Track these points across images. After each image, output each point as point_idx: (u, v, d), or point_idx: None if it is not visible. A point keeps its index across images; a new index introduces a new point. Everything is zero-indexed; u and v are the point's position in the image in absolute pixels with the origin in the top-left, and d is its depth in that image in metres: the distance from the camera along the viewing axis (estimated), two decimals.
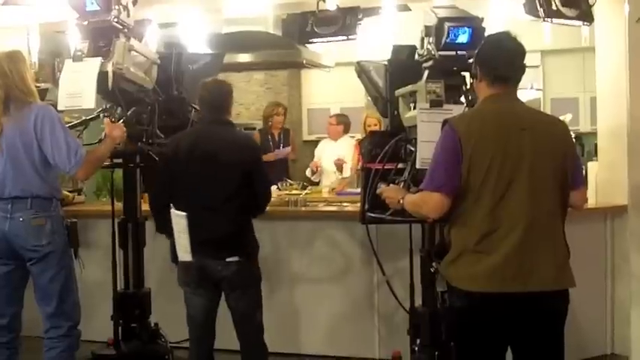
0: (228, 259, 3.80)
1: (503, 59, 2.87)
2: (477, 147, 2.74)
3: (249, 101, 9.42)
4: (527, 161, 2.74)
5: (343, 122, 7.32)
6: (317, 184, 7.15)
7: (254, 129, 8.50)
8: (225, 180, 3.81)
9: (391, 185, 3.55)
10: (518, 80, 2.90)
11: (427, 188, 2.85)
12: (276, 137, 7.42)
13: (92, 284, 4.88)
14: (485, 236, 2.75)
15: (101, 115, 4.25)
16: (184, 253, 3.82)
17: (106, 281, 4.58)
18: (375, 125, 6.64)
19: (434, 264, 3.02)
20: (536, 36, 5.50)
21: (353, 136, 7.38)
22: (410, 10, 6.30)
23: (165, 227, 3.96)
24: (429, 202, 2.85)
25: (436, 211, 2.84)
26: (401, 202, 3.13)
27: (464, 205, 2.78)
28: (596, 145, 5.38)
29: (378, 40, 5.29)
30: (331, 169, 7.14)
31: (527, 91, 7.56)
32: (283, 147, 7.40)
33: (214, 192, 3.81)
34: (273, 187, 6.01)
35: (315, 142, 8.03)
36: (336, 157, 7.08)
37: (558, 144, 2.85)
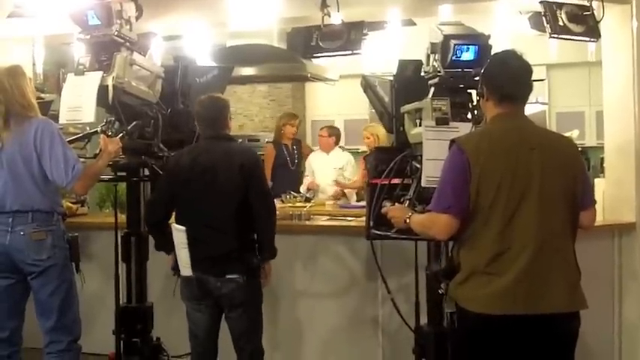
0: (228, 276, 3.78)
1: (510, 78, 2.85)
2: (485, 167, 2.72)
3: (252, 113, 9.44)
4: (537, 181, 2.72)
5: (335, 134, 7.27)
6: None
7: (257, 140, 8.51)
8: (226, 196, 3.79)
9: (396, 204, 3.50)
10: (526, 98, 2.88)
11: (435, 209, 2.82)
12: (290, 148, 7.34)
13: (94, 297, 4.86)
14: (495, 257, 2.71)
15: (99, 129, 4.22)
16: (185, 268, 3.83)
17: (108, 295, 4.55)
18: (368, 139, 6.72)
19: (442, 285, 2.98)
20: (541, 50, 5.49)
21: (342, 147, 7.37)
22: (415, 24, 6.29)
23: (162, 243, 3.99)
24: (437, 223, 2.82)
25: (444, 232, 2.81)
26: (407, 221, 3.10)
27: (473, 226, 2.75)
28: (601, 159, 5.35)
29: (382, 53, 5.27)
30: (326, 182, 7.05)
31: (532, 105, 7.53)
32: (297, 158, 7.33)
33: (215, 209, 3.79)
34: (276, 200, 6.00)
35: None
36: (330, 169, 7.02)
37: (568, 163, 2.82)
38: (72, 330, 3.87)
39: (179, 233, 3.80)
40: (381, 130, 6.68)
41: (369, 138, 6.71)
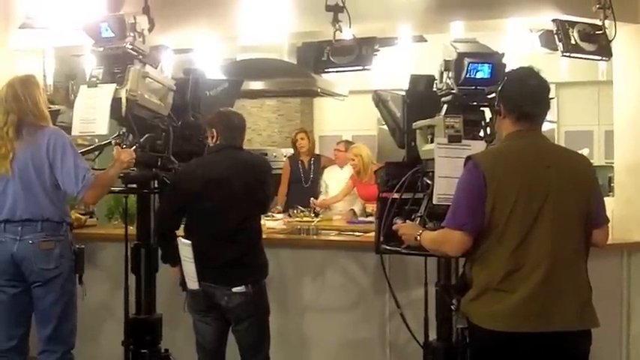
0: (234, 289, 3.78)
1: (530, 97, 2.85)
2: (501, 184, 2.71)
3: (260, 127, 9.46)
4: (552, 199, 2.72)
5: None
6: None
7: (265, 155, 8.49)
8: (238, 207, 3.80)
9: (407, 222, 3.49)
10: (544, 117, 2.88)
11: (449, 226, 2.81)
12: (306, 164, 7.30)
13: (102, 308, 4.86)
14: (508, 275, 2.71)
15: (112, 141, 4.25)
16: (191, 281, 3.83)
17: (117, 306, 4.56)
18: (353, 160, 6.75)
19: (454, 300, 2.97)
20: (551, 68, 5.45)
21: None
22: (426, 41, 6.31)
23: (168, 254, 3.99)
24: (450, 240, 2.81)
25: (458, 249, 2.81)
26: (418, 238, 3.10)
27: (486, 243, 2.75)
28: (609, 178, 5.34)
29: (391, 68, 5.29)
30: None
31: None
32: (313, 173, 7.28)
33: (227, 221, 3.80)
34: (281, 215, 6.01)
35: None
36: (343, 184, 7.00)
37: (582, 182, 2.82)
38: (68, 341, 3.90)
39: (185, 247, 3.80)
40: (364, 151, 6.76)
41: (353, 159, 6.75)
